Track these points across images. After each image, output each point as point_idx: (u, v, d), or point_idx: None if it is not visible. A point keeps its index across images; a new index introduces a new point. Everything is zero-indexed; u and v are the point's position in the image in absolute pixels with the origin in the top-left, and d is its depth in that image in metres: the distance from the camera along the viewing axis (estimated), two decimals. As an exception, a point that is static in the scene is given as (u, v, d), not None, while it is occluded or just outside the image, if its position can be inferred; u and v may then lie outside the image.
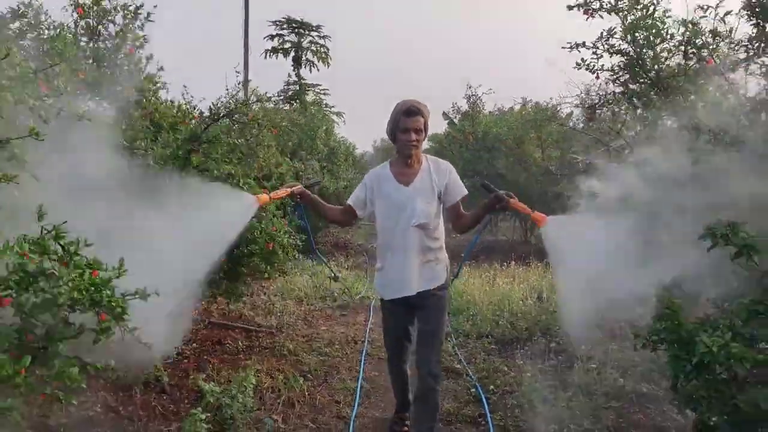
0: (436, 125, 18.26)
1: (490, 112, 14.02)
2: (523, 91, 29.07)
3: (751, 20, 2.64)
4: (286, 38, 25.60)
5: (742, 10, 2.75)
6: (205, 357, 4.94)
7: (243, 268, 4.96)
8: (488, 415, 3.93)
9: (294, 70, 25.53)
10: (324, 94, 26.23)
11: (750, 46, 2.78)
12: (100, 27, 4.66)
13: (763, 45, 2.71)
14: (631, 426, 3.69)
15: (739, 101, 2.98)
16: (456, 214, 3.38)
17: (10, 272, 2.09)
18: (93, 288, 2.22)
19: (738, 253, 2.17)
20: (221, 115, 4.57)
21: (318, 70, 26.09)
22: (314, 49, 25.82)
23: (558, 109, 8.88)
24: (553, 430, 3.62)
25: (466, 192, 3.36)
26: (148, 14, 4.77)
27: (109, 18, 4.65)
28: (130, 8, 4.69)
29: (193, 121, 4.74)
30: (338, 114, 25.21)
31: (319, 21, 26.06)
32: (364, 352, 5.28)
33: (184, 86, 5.59)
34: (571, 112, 8.48)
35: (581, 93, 5.12)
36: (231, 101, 4.74)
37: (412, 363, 3.52)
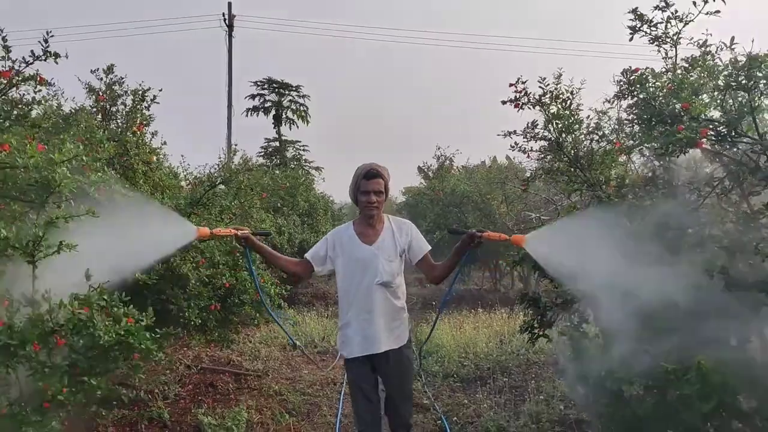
0: (413, 179, 19.07)
1: (463, 166, 15.06)
2: (493, 148, 30.41)
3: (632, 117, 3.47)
4: (267, 98, 26.61)
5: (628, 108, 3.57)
6: (200, 398, 5.52)
7: (234, 316, 5.60)
8: (450, 441, 4.56)
9: (274, 128, 26.46)
10: (303, 150, 27.14)
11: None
12: (113, 108, 5.38)
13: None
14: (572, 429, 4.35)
15: (636, 176, 3.80)
16: (428, 266, 3.40)
17: (66, 321, 2.76)
18: (126, 332, 2.90)
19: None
20: (218, 182, 5.28)
21: (297, 127, 27.05)
22: (294, 107, 26.83)
23: (519, 168, 9.78)
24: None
25: (429, 247, 3.43)
26: (154, 97, 5.51)
27: (121, 101, 5.38)
28: (139, 92, 5.42)
29: (188, 186, 5.43)
30: (317, 169, 26.09)
31: (299, 81, 27.18)
32: (342, 392, 5.88)
33: (182, 155, 6.36)
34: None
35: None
36: (224, 171, 5.46)
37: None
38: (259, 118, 26.61)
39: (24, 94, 3.35)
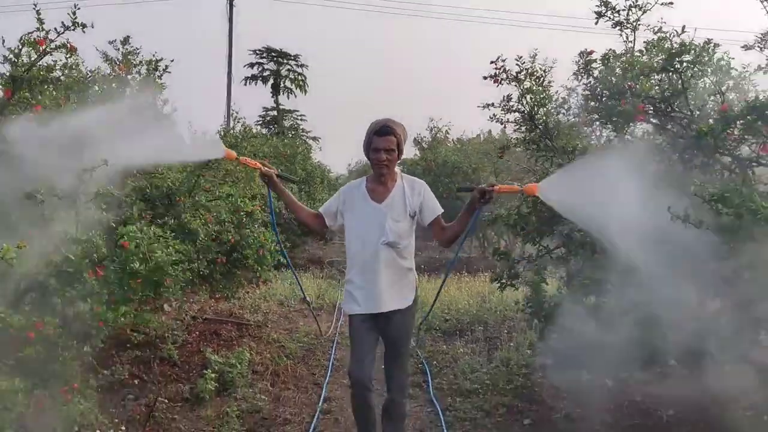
0: (408, 151, 19.53)
1: (458, 138, 15.53)
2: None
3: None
4: (266, 66, 26.95)
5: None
6: (205, 343, 6.08)
7: (237, 270, 6.15)
8: (429, 381, 5.14)
9: (272, 97, 26.86)
10: (301, 119, 27.56)
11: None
12: (128, 76, 5.82)
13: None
14: (534, 385, 4.93)
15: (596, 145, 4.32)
16: (439, 228, 3.32)
17: (109, 253, 3.28)
18: (156, 265, 3.43)
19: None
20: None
21: (296, 96, 27.48)
22: (292, 77, 27.20)
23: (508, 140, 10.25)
24: (474, 388, 4.86)
25: (441, 210, 3.33)
26: (166, 66, 5.94)
27: (136, 70, 5.82)
28: (153, 62, 5.85)
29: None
30: (314, 139, 26.52)
31: (298, 50, 27.50)
32: (335, 340, 6.46)
33: (189, 122, 6.84)
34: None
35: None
36: (229, 137, 5.94)
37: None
38: (257, 86, 27.03)
39: (57, 61, 3.80)
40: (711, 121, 3.12)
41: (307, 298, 5.30)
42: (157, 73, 5.95)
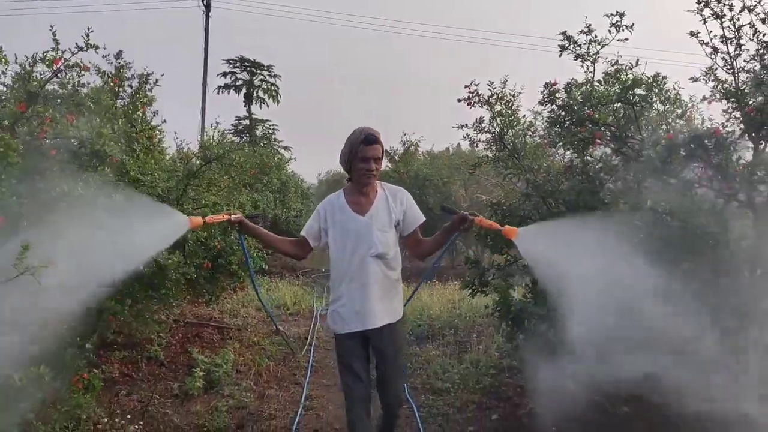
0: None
1: (428, 152, 16.00)
2: (457, 136, 31.64)
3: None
4: (239, 76, 27.13)
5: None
6: (188, 345, 6.34)
7: (220, 275, 6.43)
8: (405, 380, 5.50)
9: (245, 106, 27.04)
10: (273, 129, 27.77)
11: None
12: (119, 89, 6.10)
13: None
14: (501, 384, 5.33)
15: (559, 165, 4.76)
16: (415, 240, 3.28)
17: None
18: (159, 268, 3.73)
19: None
20: (211, 159, 6.08)
21: (268, 106, 27.70)
22: (265, 86, 27.43)
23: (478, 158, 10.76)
24: (446, 387, 5.24)
25: (423, 218, 3.29)
26: (156, 80, 6.25)
27: (128, 83, 6.10)
28: (144, 76, 6.15)
29: (191, 161, 6.21)
30: (286, 148, 26.73)
31: (272, 61, 27.80)
32: (313, 343, 6.78)
33: (175, 132, 7.14)
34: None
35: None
36: (217, 148, 6.24)
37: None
38: (230, 95, 27.17)
39: (70, 78, 4.09)
40: (658, 147, 3.56)
41: (280, 328, 5.30)
42: (148, 86, 6.26)
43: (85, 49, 4.01)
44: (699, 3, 3.49)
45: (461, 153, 13.42)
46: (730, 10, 3.42)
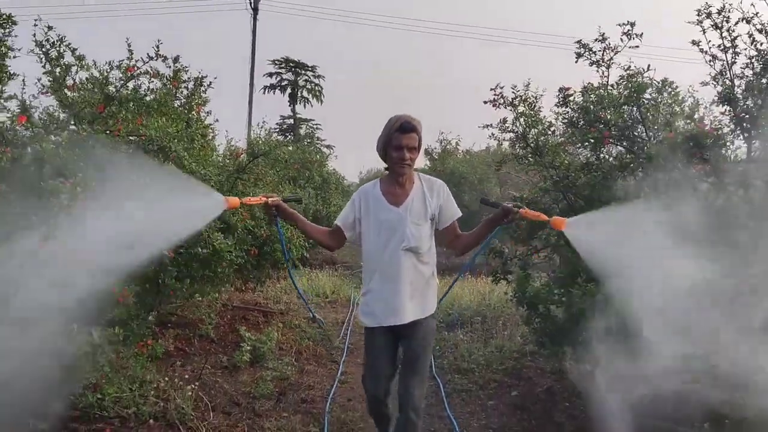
0: (419, 161, 20.35)
1: (467, 150, 16.39)
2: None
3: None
4: (284, 76, 27.96)
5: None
6: (236, 326, 6.92)
7: (266, 262, 6.99)
8: (432, 361, 5.94)
9: (290, 105, 27.87)
10: (316, 128, 28.51)
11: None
12: (176, 91, 6.70)
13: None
14: (522, 367, 5.72)
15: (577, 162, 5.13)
16: (454, 234, 3.17)
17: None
18: (214, 250, 4.27)
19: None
20: (258, 155, 6.64)
21: (312, 106, 28.49)
22: (309, 87, 28.21)
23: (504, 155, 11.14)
24: (471, 367, 5.66)
25: (460, 213, 3.19)
26: (210, 83, 6.83)
27: (184, 85, 6.70)
28: (199, 78, 6.73)
29: (240, 158, 6.79)
30: (329, 147, 27.39)
31: (315, 61, 28.57)
32: (349, 327, 7.28)
33: (226, 131, 7.74)
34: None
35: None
36: (263, 145, 6.81)
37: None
38: (275, 95, 28.05)
39: (141, 84, 4.68)
40: (661, 145, 3.92)
41: (317, 316, 5.61)
42: (202, 88, 6.86)
43: (155, 59, 4.60)
44: (699, 15, 3.83)
45: (499, 152, 13.74)
46: (727, 21, 3.75)
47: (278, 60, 27.63)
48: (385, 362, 3.15)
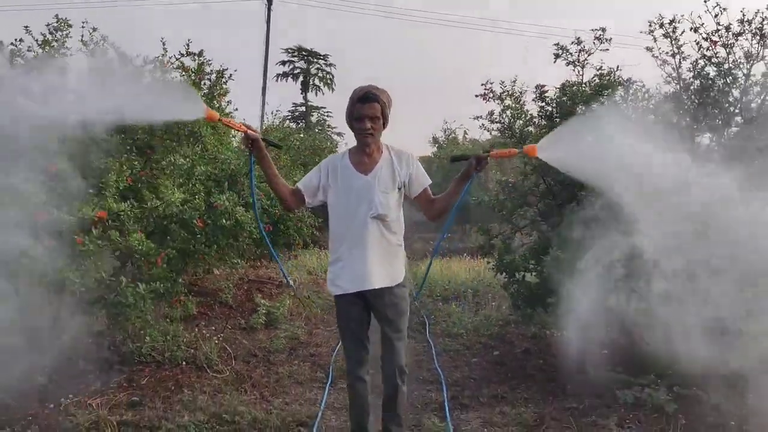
0: (426, 148, 21.02)
1: (473, 138, 17.07)
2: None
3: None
4: (296, 65, 28.64)
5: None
6: (251, 295, 7.67)
7: (279, 239, 7.74)
8: (428, 325, 6.67)
9: (302, 93, 28.57)
10: (327, 116, 29.22)
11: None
12: (200, 83, 7.40)
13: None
14: (506, 333, 6.43)
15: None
16: (427, 200, 3.22)
17: (206, 209, 4.86)
18: (237, 221, 5.01)
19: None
20: (273, 143, 7.34)
21: (323, 94, 29.17)
22: (321, 75, 28.87)
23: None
24: (460, 332, 6.38)
25: (429, 181, 3.25)
26: (230, 75, 7.52)
27: (207, 77, 7.41)
28: (221, 71, 7.43)
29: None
30: (339, 134, 28.12)
31: (327, 50, 29.26)
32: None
33: (244, 119, 8.45)
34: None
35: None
36: (279, 131, 7.52)
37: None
38: (287, 83, 28.75)
39: (174, 77, 5.39)
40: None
41: (291, 282, 5.82)
42: (223, 80, 7.56)
43: (186, 55, 5.31)
44: (651, 25, 4.49)
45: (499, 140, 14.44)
46: (674, 32, 4.41)
47: (291, 48, 28.37)
48: (359, 325, 3.19)
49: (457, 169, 3.23)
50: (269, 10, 20.78)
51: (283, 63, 28.58)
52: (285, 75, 28.50)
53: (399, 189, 3.18)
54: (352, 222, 3.11)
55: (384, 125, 3.14)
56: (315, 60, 28.65)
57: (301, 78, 28.43)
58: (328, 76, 28.95)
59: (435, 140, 19.56)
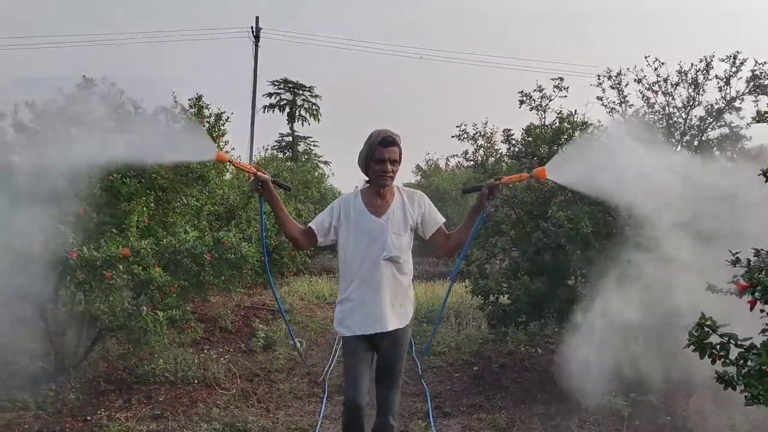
0: (410, 176, 21.78)
1: (454, 166, 17.87)
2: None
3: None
4: (283, 96, 29.42)
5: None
6: (248, 320, 8.23)
7: (274, 267, 8.32)
8: (413, 345, 7.26)
9: (288, 124, 29.31)
10: (314, 145, 29.95)
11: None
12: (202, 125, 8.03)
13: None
14: (485, 350, 7.04)
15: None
16: (444, 237, 3.26)
17: (214, 244, 5.48)
18: (242, 255, 5.61)
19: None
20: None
21: (309, 124, 29.94)
22: (307, 106, 29.66)
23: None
24: (444, 350, 6.98)
25: (443, 219, 3.28)
26: (228, 117, 8.17)
27: (206, 120, 8.06)
28: (219, 114, 8.08)
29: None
30: (326, 163, 28.83)
31: (313, 83, 30.09)
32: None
33: (239, 156, 9.10)
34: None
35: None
36: (270, 167, 8.14)
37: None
38: (274, 114, 29.48)
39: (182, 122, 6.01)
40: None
41: (297, 344, 5.88)
42: (221, 122, 8.22)
43: (194, 109, 5.96)
44: (599, 77, 5.22)
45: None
46: (619, 84, 5.13)
47: (277, 81, 29.14)
48: (365, 369, 3.15)
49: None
50: (257, 47, 21.59)
51: (270, 95, 29.36)
52: (272, 106, 29.22)
53: (411, 230, 3.23)
54: (364, 263, 3.12)
55: (399, 167, 3.18)
56: (300, 92, 29.48)
57: (287, 109, 29.21)
58: (314, 107, 29.77)
59: (419, 168, 20.38)
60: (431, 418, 4.87)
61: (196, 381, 5.48)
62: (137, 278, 4.77)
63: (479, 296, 5.96)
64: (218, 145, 8.15)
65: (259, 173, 3.10)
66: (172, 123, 5.97)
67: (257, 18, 21.82)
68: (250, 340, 7.13)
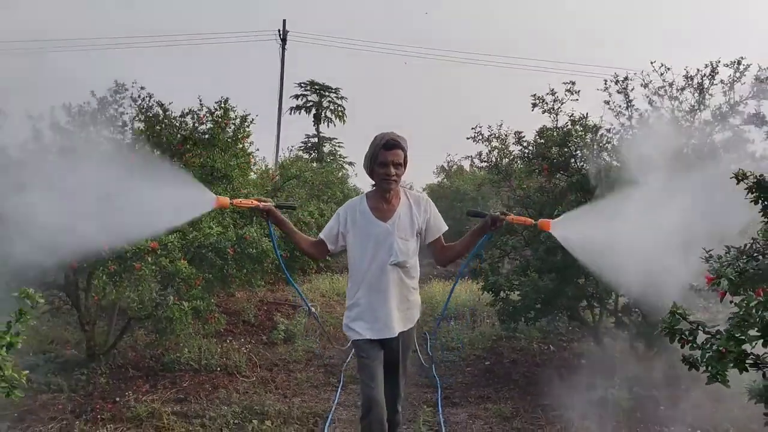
0: (432, 177, 22.00)
1: (477, 167, 18.06)
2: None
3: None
4: (309, 98, 29.86)
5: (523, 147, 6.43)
6: (271, 315, 8.54)
7: (295, 264, 8.62)
8: (428, 342, 7.48)
9: (314, 125, 29.75)
10: (339, 146, 30.34)
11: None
12: (226, 127, 8.37)
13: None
14: (498, 346, 7.23)
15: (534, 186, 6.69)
16: (440, 247, 3.29)
17: (237, 239, 5.77)
18: (262, 250, 5.90)
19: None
20: (290, 178, 8.29)
21: (335, 125, 30.34)
22: (332, 108, 30.06)
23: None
24: (457, 346, 7.19)
25: (446, 227, 3.31)
26: (252, 119, 8.48)
27: (232, 121, 8.38)
28: (244, 116, 8.39)
29: (275, 179, 8.45)
30: (350, 164, 29.17)
31: (338, 84, 30.55)
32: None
33: (264, 157, 9.43)
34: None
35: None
36: (297, 169, 8.45)
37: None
38: (300, 115, 29.96)
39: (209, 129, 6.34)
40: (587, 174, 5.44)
41: (313, 311, 6.55)
42: (246, 124, 8.55)
43: (220, 110, 6.28)
44: (605, 82, 5.39)
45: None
46: (625, 88, 5.30)
47: (303, 83, 29.59)
48: (379, 366, 3.19)
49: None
50: (283, 49, 22.02)
51: (296, 97, 29.85)
52: (298, 108, 29.69)
53: (417, 235, 3.25)
54: (371, 268, 3.15)
55: (404, 171, 3.19)
56: (327, 93, 29.90)
57: (313, 111, 29.65)
58: (339, 108, 30.16)
59: (443, 168, 20.57)
60: (440, 407, 5.09)
61: (218, 369, 5.79)
62: (164, 270, 5.08)
63: (490, 292, 6.17)
64: (243, 146, 8.49)
65: (261, 204, 3.13)
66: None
67: (284, 21, 22.31)
68: (272, 333, 7.43)
